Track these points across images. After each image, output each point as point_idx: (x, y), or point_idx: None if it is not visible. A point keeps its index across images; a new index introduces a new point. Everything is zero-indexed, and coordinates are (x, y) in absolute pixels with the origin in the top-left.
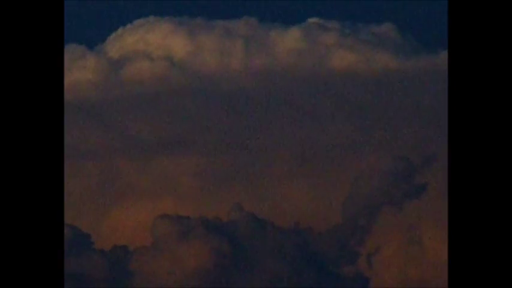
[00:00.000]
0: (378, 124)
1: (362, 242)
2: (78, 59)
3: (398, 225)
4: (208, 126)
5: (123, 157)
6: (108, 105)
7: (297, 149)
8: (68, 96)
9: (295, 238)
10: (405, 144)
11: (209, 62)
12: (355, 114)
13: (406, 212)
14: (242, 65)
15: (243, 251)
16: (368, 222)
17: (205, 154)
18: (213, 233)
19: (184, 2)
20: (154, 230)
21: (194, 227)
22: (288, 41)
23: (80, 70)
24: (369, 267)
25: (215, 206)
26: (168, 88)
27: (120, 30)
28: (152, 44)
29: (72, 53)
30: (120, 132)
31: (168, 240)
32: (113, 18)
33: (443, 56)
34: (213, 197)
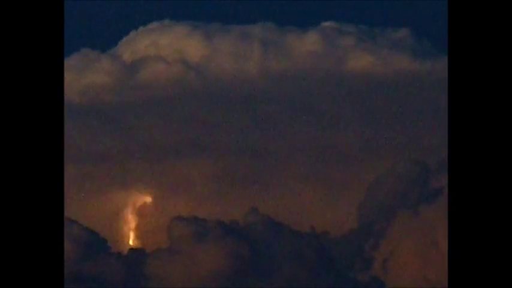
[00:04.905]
0: (395, 127)
1: (378, 246)
2: (92, 62)
3: (414, 229)
4: (224, 129)
5: (139, 160)
6: (123, 109)
7: (313, 153)
8: (82, 99)
9: (312, 242)
10: (421, 147)
11: (225, 65)
12: (372, 118)
13: (422, 216)
14: (259, 68)
15: (260, 254)
16: (384, 226)
17: (221, 157)
18: (230, 236)
19: (201, 6)
20: (171, 233)
21: (211, 229)
22: (305, 45)
23: (94, 73)
24: (385, 271)
25: (231, 209)
26: (184, 91)
27: (132, 34)
28: (167, 47)
29: (85, 56)
30: (136, 136)
31: (184, 243)
32: (125, 21)
33: None
34: (229, 200)
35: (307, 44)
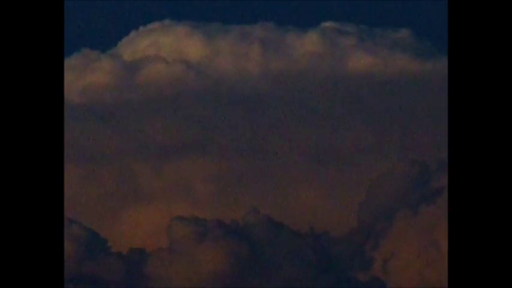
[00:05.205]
0: (395, 128)
1: (378, 246)
2: (92, 62)
3: (414, 229)
4: (225, 129)
5: (139, 160)
6: (123, 109)
7: (313, 153)
8: (83, 99)
9: (311, 242)
10: (422, 148)
11: (225, 65)
12: (372, 118)
13: (423, 216)
14: (259, 68)
15: (260, 254)
16: (384, 226)
17: (221, 157)
18: (230, 236)
19: (201, 6)
20: (171, 232)
21: (211, 229)
22: (305, 45)
23: (94, 73)
24: (385, 272)
25: (231, 209)
26: (184, 91)
27: (132, 34)
28: (167, 47)
29: (85, 56)
30: (136, 135)
31: (184, 243)
32: (125, 21)
33: None
34: (229, 200)
35: (307, 44)
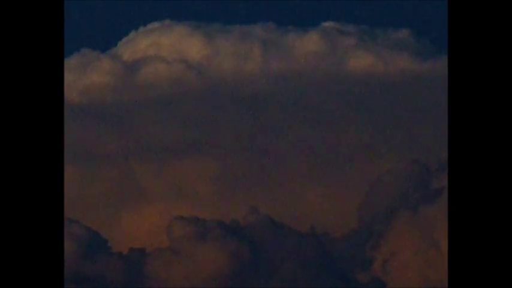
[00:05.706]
0: (395, 128)
1: (378, 246)
2: (92, 62)
3: (414, 229)
4: (225, 129)
5: (139, 160)
6: (123, 109)
7: (313, 153)
8: (83, 99)
9: (312, 242)
10: (422, 148)
11: (226, 65)
12: (372, 118)
13: (423, 216)
14: (259, 68)
15: (260, 254)
16: (384, 226)
17: (221, 157)
18: (230, 236)
19: (201, 6)
20: (171, 232)
21: (211, 229)
22: (305, 45)
23: (94, 73)
24: (385, 272)
25: (231, 209)
26: (184, 91)
27: (132, 34)
28: (167, 47)
29: (85, 56)
30: (136, 135)
31: (184, 243)
32: (125, 21)
33: None
34: (229, 200)
35: (307, 44)
